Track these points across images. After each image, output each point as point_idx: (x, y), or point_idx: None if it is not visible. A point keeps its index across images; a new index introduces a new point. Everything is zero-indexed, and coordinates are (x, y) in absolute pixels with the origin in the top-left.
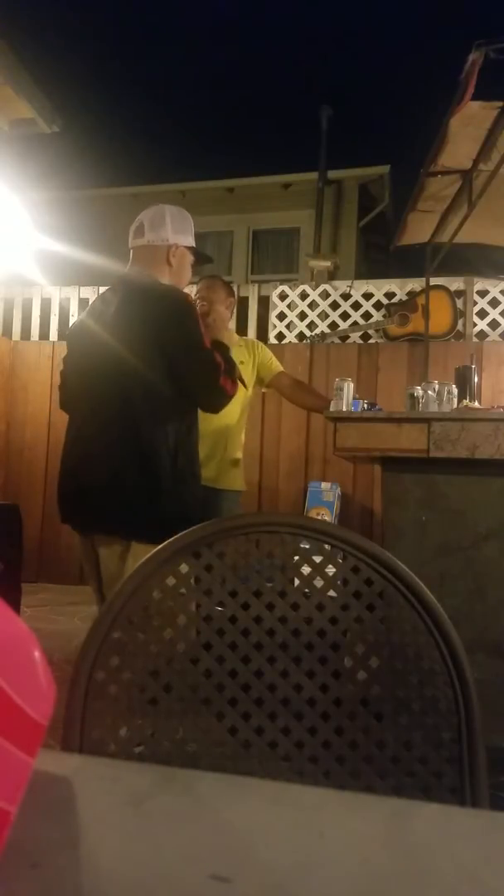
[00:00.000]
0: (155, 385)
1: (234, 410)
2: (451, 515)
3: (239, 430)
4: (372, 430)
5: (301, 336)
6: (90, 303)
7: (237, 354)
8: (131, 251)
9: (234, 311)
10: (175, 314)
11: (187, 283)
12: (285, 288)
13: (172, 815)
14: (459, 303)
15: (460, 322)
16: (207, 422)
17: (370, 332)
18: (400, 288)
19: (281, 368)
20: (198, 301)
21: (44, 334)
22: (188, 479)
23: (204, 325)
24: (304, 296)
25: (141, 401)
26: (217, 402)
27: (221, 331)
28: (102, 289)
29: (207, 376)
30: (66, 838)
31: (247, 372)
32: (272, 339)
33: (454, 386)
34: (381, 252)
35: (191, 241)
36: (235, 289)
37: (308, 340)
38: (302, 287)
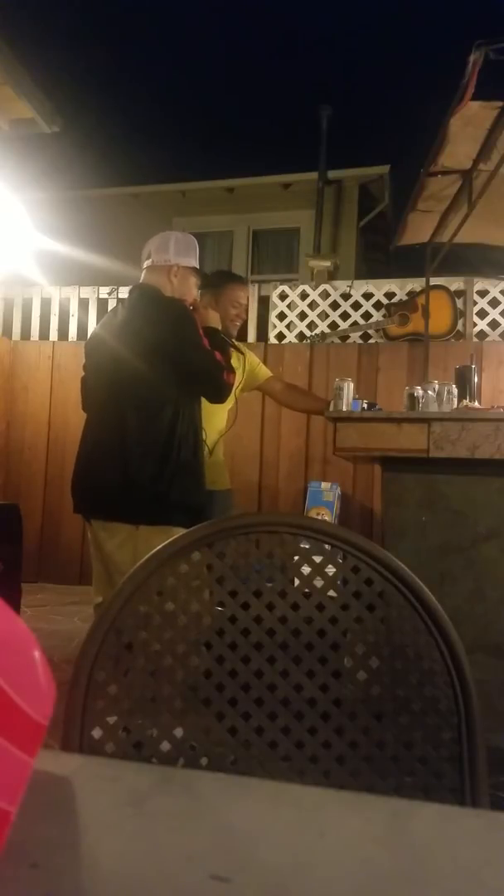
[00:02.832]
0: (156, 384)
1: (226, 415)
2: (451, 515)
3: (225, 432)
4: (372, 430)
5: (301, 336)
6: (108, 313)
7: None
8: (143, 271)
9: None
10: (175, 321)
11: (192, 299)
12: (285, 288)
13: (172, 815)
14: (459, 303)
15: (460, 322)
16: (208, 428)
17: (370, 332)
18: (400, 288)
19: (270, 373)
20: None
21: (44, 334)
22: (191, 468)
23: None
24: (304, 296)
25: (144, 399)
26: (222, 394)
27: (205, 315)
28: (102, 289)
29: (212, 374)
30: (66, 838)
31: (237, 377)
32: (272, 339)
33: (454, 386)
34: (381, 252)
35: (193, 263)
36: None
37: (308, 340)
38: (302, 287)
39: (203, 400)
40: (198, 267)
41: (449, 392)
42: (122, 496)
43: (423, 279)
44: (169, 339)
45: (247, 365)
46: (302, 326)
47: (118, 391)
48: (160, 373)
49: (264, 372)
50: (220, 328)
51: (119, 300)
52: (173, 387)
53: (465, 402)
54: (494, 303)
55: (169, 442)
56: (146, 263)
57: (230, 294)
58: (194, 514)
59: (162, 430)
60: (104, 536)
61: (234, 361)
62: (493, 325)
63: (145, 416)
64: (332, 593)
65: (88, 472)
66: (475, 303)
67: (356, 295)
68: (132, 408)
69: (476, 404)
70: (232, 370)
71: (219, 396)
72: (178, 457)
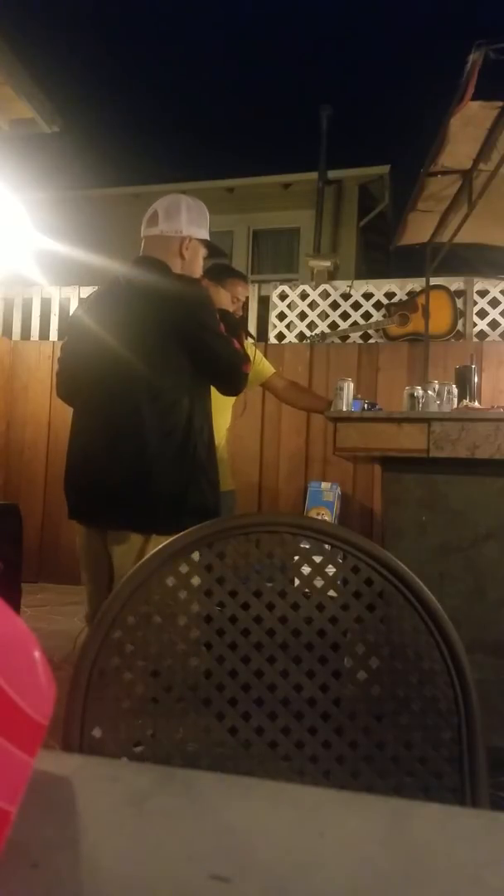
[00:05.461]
0: (172, 372)
1: (230, 414)
2: (451, 515)
3: (229, 431)
4: (372, 430)
5: (301, 336)
6: (97, 290)
7: None
8: (143, 240)
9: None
10: (194, 306)
11: (199, 276)
12: (285, 288)
13: (172, 815)
14: (459, 303)
15: (460, 322)
16: (216, 424)
17: (370, 332)
18: (400, 288)
19: (273, 370)
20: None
21: (44, 334)
22: (206, 469)
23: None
24: (304, 296)
25: (159, 389)
26: (240, 386)
27: (215, 294)
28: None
29: (234, 365)
30: (66, 838)
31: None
32: (272, 339)
33: (454, 386)
34: (381, 252)
35: (205, 235)
36: None
37: (308, 340)
38: (302, 287)
39: (212, 394)
40: (208, 238)
41: (449, 392)
42: (136, 501)
43: (423, 279)
44: (187, 324)
45: (252, 361)
46: (302, 326)
47: (127, 378)
48: (176, 360)
49: (268, 368)
50: (230, 310)
51: (117, 280)
52: (188, 376)
53: (465, 402)
54: (494, 303)
55: (186, 438)
56: (152, 231)
57: (231, 289)
58: (208, 518)
59: (179, 423)
60: (110, 540)
61: (249, 350)
62: (493, 325)
63: (161, 408)
64: (332, 593)
65: (90, 471)
66: (475, 303)
67: (356, 295)
68: (147, 399)
69: (476, 404)
70: (248, 359)
71: (236, 389)
72: (195, 454)
